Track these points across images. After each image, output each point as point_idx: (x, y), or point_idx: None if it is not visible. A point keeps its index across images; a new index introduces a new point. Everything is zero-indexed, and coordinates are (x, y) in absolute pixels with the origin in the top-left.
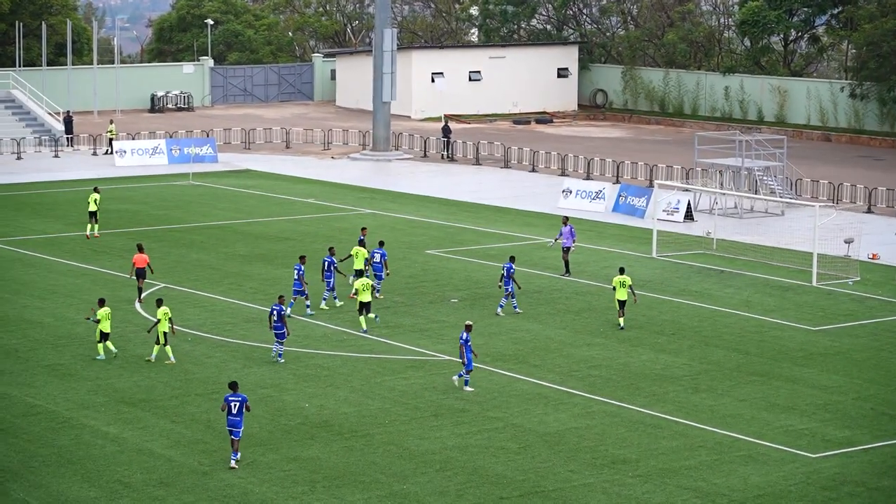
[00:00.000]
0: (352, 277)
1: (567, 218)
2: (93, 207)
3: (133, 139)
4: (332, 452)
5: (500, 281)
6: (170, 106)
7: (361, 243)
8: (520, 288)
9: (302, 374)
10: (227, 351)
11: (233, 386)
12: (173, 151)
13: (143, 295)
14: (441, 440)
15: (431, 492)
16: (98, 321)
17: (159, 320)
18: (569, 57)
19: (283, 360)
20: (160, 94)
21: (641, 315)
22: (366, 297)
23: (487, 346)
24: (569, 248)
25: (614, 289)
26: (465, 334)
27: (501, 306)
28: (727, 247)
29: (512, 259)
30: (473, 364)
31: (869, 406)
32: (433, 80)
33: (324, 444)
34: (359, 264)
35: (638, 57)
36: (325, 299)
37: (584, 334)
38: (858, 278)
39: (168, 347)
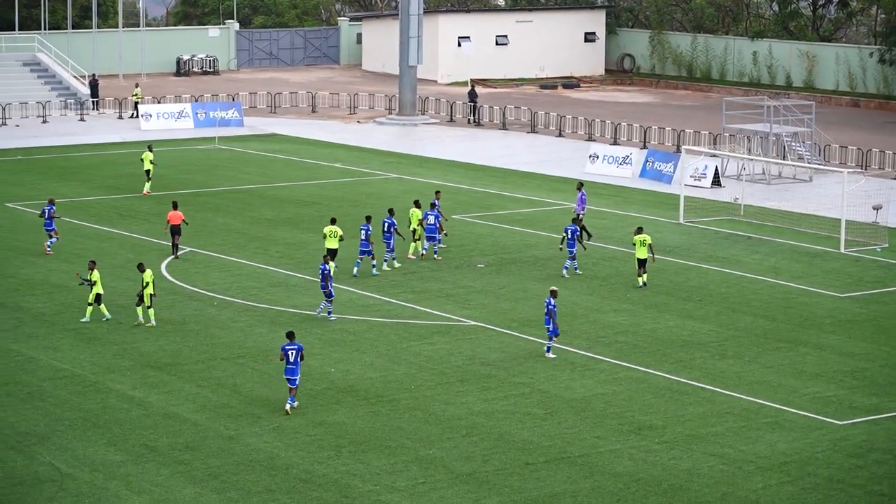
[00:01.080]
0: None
1: (581, 183)
2: (147, 166)
3: (159, 103)
4: (357, 417)
5: (562, 243)
6: (195, 70)
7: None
8: (584, 249)
9: (328, 338)
10: (252, 315)
11: (290, 335)
12: (199, 115)
13: (179, 253)
14: (467, 405)
15: (457, 457)
16: (93, 283)
17: (148, 283)
18: (596, 21)
19: (333, 318)
20: (186, 57)
21: (668, 281)
22: (333, 244)
23: (514, 312)
24: (579, 215)
25: (634, 246)
26: (550, 300)
27: (566, 268)
28: (754, 213)
29: (574, 221)
30: (559, 330)
31: None
32: (460, 45)
33: (349, 409)
34: (415, 224)
35: (666, 21)
36: (385, 261)
37: (610, 300)
38: (887, 245)
39: (151, 310)
